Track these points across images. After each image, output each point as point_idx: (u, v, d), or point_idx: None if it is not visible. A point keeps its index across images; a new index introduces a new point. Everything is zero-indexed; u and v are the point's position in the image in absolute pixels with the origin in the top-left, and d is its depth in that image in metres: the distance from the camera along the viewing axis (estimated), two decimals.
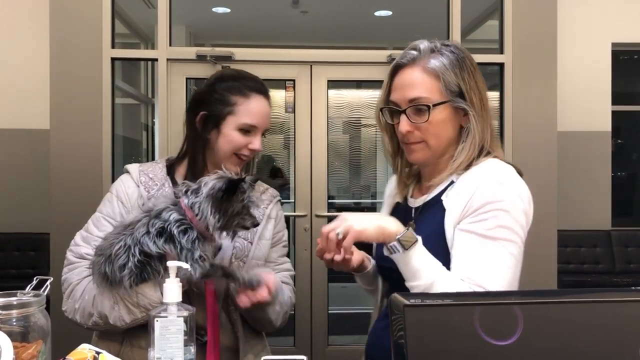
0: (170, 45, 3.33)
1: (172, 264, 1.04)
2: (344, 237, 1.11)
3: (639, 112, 5.01)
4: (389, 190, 1.43)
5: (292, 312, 3.28)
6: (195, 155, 1.42)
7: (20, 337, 0.89)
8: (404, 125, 1.21)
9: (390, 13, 4.91)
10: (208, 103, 1.41)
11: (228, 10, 4.98)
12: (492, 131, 1.24)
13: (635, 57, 5.07)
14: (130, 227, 1.22)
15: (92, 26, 3.19)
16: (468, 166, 1.20)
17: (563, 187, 3.77)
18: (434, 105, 1.18)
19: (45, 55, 3.24)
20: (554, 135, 3.39)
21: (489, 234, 1.13)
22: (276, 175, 4.59)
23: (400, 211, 1.34)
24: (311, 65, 3.44)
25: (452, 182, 1.21)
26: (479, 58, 3.86)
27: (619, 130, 4.91)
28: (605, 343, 0.63)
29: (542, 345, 0.63)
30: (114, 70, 3.27)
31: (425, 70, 1.19)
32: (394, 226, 1.12)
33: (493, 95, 3.66)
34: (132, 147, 4.70)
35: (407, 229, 1.11)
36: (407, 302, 0.63)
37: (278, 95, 3.63)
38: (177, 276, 1.04)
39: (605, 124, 4.55)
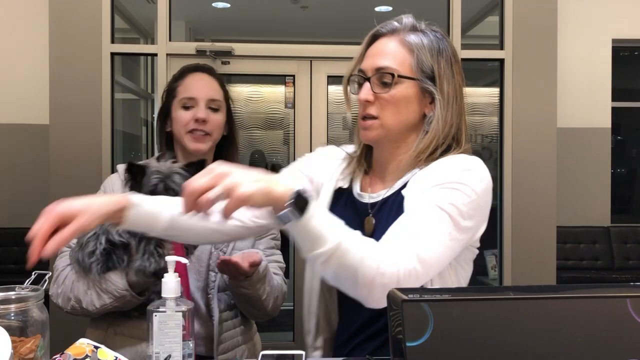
0: (170, 40, 3.32)
1: (170, 259, 1.04)
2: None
3: (639, 108, 5.00)
4: (329, 167, 1.25)
5: (292, 308, 3.28)
6: (162, 152, 1.52)
7: (19, 331, 0.89)
8: (364, 92, 1.13)
9: (390, 9, 4.90)
10: (163, 100, 1.55)
11: (228, 5, 4.97)
12: (464, 129, 1.17)
13: (636, 53, 5.07)
14: None
15: (91, 21, 3.18)
16: (432, 159, 1.12)
17: (562, 183, 3.77)
18: (399, 77, 1.11)
19: (45, 50, 3.24)
20: (553, 131, 3.39)
21: (439, 205, 1.02)
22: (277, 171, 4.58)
23: (347, 202, 1.20)
24: (311, 61, 3.43)
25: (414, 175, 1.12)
26: (479, 54, 3.87)
27: (618, 126, 4.91)
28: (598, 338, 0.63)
29: (544, 339, 0.63)
30: (113, 65, 3.27)
31: (402, 42, 1.13)
32: (280, 187, 0.90)
33: (493, 92, 3.66)
34: (131, 142, 4.70)
35: (296, 191, 0.90)
36: (405, 298, 0.63)
37: (278, 91, 3.62)
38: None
39: (605, 121, 4.55)
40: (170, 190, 1.27)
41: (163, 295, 1.02)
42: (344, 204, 1.21)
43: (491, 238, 3.52)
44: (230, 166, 0.91)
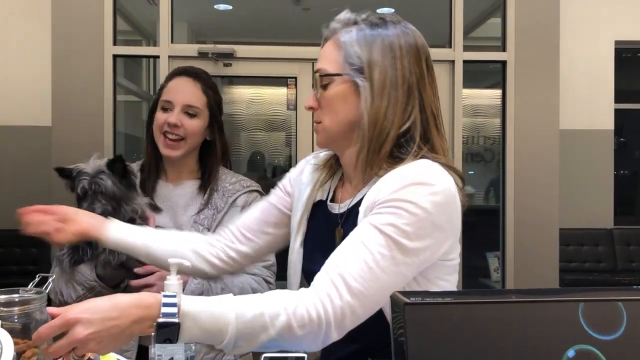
0: (172, 42, 3.32)
1: (172, 261, 1.04)
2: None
3: None
4: (305, 177, 1.21)
5: None
6: (147, 156, 1.53)
7: (22, 334, 0.89)
8: (307, 99, 1.11)
9: (392, 11, 4.90)
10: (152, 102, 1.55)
11: (230, 7, 4.97)
12: (436, 125, 1.07)
13: (638, 55, 5.06)
14: None
15: (94, 23, 3.19)
16: (397, 164, 1.03)
17: (565, 185, 3.77)
18: (326, 76, 1.06)
19: (47, 52, 3.24)
20: (556, 133, 3.39)
21: (380, 228, 0.94)
22: (283, 173, 4.55)
23: (320, 215, 1.16)
24: (313, 63, 3.43)
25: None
26: (481, 56, 3.87)
27: (621, 128, 4.90)
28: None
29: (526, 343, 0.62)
30: (115, 67, 3.27)
31: (335, 42, 1.09)
32: (138, 327, 0.84)
33: (495, 93, 3.66)
34: (133, 144, 4.70)
35: (157, 324, 0.83)
36: (407, 301, 0.63)
37: (280, 93, 3.63)
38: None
39: (607, 122, 4.55)
40: (98, 192, 1.30)
41: None
42: (320, 217, 1.17)
43: (494, 240, 3.52)
44: (80, 311, 0.84)
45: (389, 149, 1.03)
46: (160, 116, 1.47)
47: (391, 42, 1.06)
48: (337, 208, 1.13)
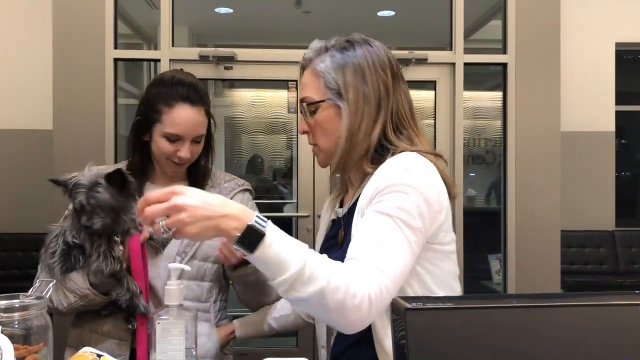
0: (172, 45, 3.32)
1: (173, 266, 1.04)
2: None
3: None
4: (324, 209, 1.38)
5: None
6: (134, 157, 1.50)
7: (22, 339, 0.89)
8: (300, 124, 1.27)
9: (393, 13, 4.90)
10: (142, 108, 1.47)
11: (231, 10, 4.98)
12: (412, 126, 1.20)
13: (639, 56, 5.06)
14: (67, 217, 1.34)
15: (94, 26, 3.20)
16: (379, 161, 1.16)
17: (566, 187, 3.76)
18: (312, 104, 1.20)
19: (48, 55, 3.25)
20: (557, 135, 3.38)
21: (387, 212, 1.05)
22: (284, 177, 4.54)
23: (335, 227, 1.29)
24: None
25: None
26: (482, 58, 3.87)
27: (622, 130, 4.90)
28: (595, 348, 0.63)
29: (551, 348, 0.62)
30: (116, 71, 3.28)
31: (313, 71, 1.22)
32: (231, 223, 0.93)
33: (496, 96, 3.65)
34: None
35: (247, 225, 0.93)
36: (408, 306, 0.63)
37: (280, 96, 3.63)
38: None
39: (609, 124, 4.54)
40: (95, 205, 1.26)
41: (166, 302, 1.02)
42: (333, 227, 1.30)
43: (495, 242, 3.51)
44: (190, 189, 0.95)
45: (369, 153, 1.17)
46: (167, 146, 1.43)
47: (359, 63, 1.18)
48: (341, 212, 1.26)
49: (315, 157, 1.30)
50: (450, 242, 1.17)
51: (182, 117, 1.42)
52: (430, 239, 1.11)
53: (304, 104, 1.22)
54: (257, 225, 0.93)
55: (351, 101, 1.16)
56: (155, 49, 3.47)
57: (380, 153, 1.17)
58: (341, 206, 1.29)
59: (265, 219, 0.95)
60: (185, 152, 1.43)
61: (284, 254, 0.93)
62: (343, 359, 1.20)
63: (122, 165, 1.53)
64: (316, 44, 1.25)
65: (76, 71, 3.18)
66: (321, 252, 1.18)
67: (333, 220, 1.31)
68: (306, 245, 0.98)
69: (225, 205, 0.94)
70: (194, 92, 1.44)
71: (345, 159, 1.17)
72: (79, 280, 1.32)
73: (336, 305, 0.93)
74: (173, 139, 1.42)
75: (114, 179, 1.27)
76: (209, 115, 1.50)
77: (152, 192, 0.96)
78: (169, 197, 0.92)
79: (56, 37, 3.20)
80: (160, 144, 1.44)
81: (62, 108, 3.20)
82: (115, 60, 3.25)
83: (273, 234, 0.94)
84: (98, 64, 3.19)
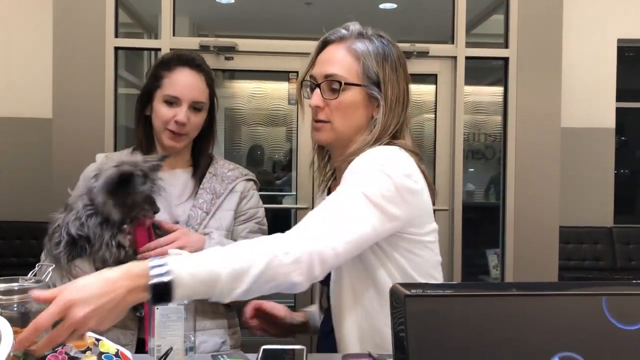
0: (173, 35, 3.31)
1: (173, 252, 1.04)
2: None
3: None
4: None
5: (293, 305, 3.28)
6: (137, 133, 1.52)
7: (21, 322, 0.89)
8: (314, 99, 1.22)
9: (395, 6, 4.88)
10: (145, 82, 1.51)
11: (232, 1, 4.96)
12: (402, 130, 1.21)
13: None
14: (68, 207, 1.33)
15: (95, 15, 3.18)
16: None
17: (565, 183, 3.76)
18: (347, 84, 1.17)
19: (48, 44, 3.24)
20: (557, 131, 3.38)
21: (349, 187, 1.07)
22: (283, 169, 4.54)
23: None
24: None
25: None
26: (483, 52, 3.85)
27: (622, 126, 4.90)
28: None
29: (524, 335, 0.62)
30: (117, 60, 3.26)
31: (349, 50, 1.18)
32: (133, 295, 0.86)
33: (497, 90, 3.65)
34: (134, 137, 4.70)
35: (151, 284, 0.85)
36: (407, 293, 0.63)
37: (281, 87, 3.62)
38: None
39: (609, 121, 4.54)
40: (155, 192, 1.30)
41: None
42: None
43: (493, 237, 3.52)
44: (73, 291, 0.84)
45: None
46: (165, 112, 1.45)
47: (396, 60, 1.19)
48: None
49: (312, 135, 1.28)
50: (429, 232, 1.17)
51: (181, 79, 1.45)
52: (402, 229, 1.12)
53: (330, 80, 1.18)
54: (157, 278, 0.86)
55: (389, 98, 1.17)
56: (156, 38, 3.46)
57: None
58: (329, 193, 1.29)
59: (161, 260, 0.88)
60: (182, 115, 1.43)
61: (203, 274, 0.89)
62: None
63: (127, 152, 1.53)
64: (354, 25, 1.21)
65: (76, 59, 3.17)
66: None
67: None
68: (215, 248, 0.96)
69: (115, 286, 0.85)
70: (192, 59, 1.49)
71: (361, 150, 1.15)
72: (85, 268, 1.32)
73: (276, 274, 0.94)
74: (172, 101, 1.44)
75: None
76: (210, 87, 1.51)
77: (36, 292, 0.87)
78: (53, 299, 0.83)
79: (56, 24, 3.19)
80: (159, 111, 1.45)
81: (62, 97, 3.19)
82: (116, 49, 3.24)
83: (178, 272, 0.87)
84: (98, 53, 3.18)
